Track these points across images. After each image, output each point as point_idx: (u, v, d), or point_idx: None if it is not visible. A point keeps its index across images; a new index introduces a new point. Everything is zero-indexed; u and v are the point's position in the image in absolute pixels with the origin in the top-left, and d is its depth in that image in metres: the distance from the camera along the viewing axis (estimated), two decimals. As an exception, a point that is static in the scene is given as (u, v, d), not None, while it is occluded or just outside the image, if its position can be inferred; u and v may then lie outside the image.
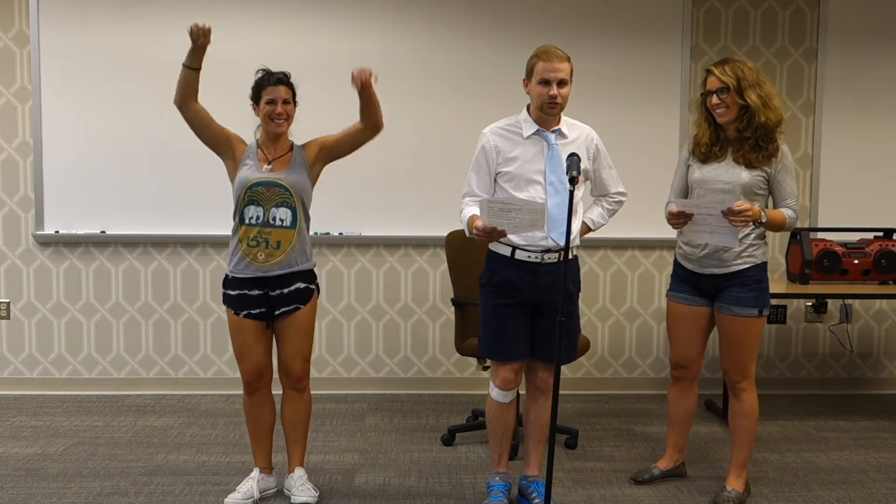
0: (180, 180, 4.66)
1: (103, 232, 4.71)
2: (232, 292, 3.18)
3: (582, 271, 3.54)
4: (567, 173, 2.89)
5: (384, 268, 4.86)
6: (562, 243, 3.02)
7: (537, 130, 3.09)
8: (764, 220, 3.10)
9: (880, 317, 5.08)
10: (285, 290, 3.14)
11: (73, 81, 4.62)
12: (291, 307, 3.16)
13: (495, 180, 3.13)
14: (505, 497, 3.22)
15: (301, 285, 3.17)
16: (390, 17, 4.70)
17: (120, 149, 4.65)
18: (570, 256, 3.13)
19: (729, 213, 3.00)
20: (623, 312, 4.96)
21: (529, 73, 3.08)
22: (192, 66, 3.03)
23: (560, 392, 2.95)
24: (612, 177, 3.28)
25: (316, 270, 3.29)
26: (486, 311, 3.17)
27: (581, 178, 3.06)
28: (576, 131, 3.17)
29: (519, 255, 3.08)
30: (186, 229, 4.70)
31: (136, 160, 4.65)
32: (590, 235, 3.33)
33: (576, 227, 3.11)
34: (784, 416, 4.50)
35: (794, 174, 3.20)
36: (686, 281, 3.34)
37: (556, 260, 3.08)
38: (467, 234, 3.09)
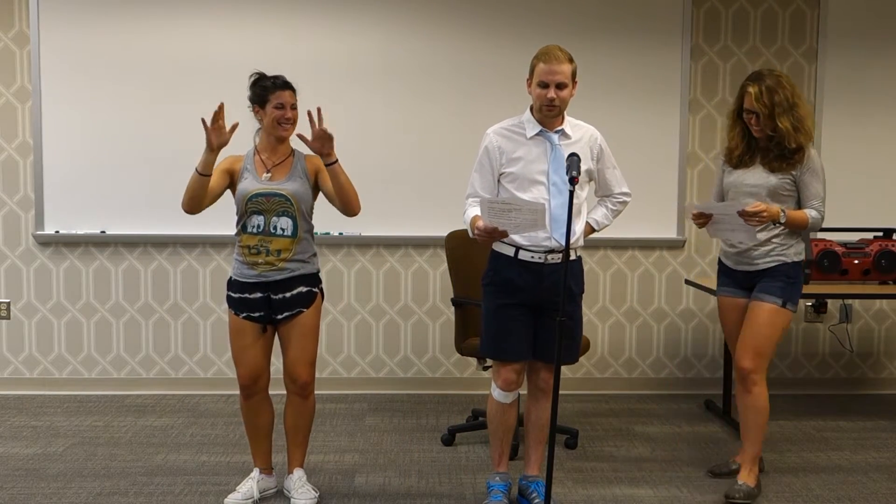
0: (180, 180, 4.55)
1: (103, 232, 4.71)
2: (234, 294, 3.18)
3: (583, 271, 3.54)
4: (567, 173, 2.89)
5: (384, 268, 4.85)
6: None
7: (540, 131, 3.08)
8: (783, 220, 3.20)
9: (880, 317, 5.08)
10: (287, 295, 3.13)
11: (73, 81, 4.62)
12: (294, 311, 3.15)
13: (499, 181, 3.13)
14: (505, 497, 3.22)
15: (303, 289, 3.16)
16: (390, 17, 4.69)
17: (120, 149, 4.65)
18: (574, 257, 3.13)
19: (744, 215, 3.11)
20: (623, 312, 4.96)
21: (531, 73, 3.07)
22: (207, 172, 3.02)
23: (560, 392, 2.94)
24: (615, 177, 3.28)
25: (320, 274, 3.28)
26: (488, 310, 3.17)
27: (584, 178, 3.07)
28: (579, 131, 3.16)
29: (522, 255, 3.08)
30: (186, 229, 4.69)
31: (136, 160, 4.65)
32: (591, 235, 3.33)
33: (579, 227, 3.11)
34: (784, 416, 4.49)
35: (822, 177, 3.28)
36: (728, 275, 3.49)
37: (559, 260, 3.06)
38: (470, 234, 3.09)
